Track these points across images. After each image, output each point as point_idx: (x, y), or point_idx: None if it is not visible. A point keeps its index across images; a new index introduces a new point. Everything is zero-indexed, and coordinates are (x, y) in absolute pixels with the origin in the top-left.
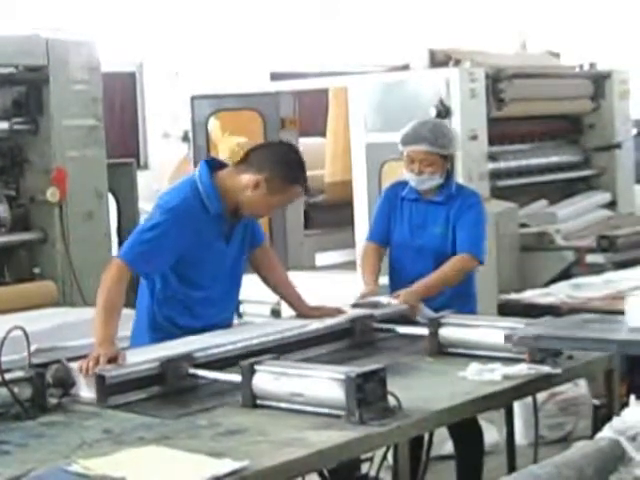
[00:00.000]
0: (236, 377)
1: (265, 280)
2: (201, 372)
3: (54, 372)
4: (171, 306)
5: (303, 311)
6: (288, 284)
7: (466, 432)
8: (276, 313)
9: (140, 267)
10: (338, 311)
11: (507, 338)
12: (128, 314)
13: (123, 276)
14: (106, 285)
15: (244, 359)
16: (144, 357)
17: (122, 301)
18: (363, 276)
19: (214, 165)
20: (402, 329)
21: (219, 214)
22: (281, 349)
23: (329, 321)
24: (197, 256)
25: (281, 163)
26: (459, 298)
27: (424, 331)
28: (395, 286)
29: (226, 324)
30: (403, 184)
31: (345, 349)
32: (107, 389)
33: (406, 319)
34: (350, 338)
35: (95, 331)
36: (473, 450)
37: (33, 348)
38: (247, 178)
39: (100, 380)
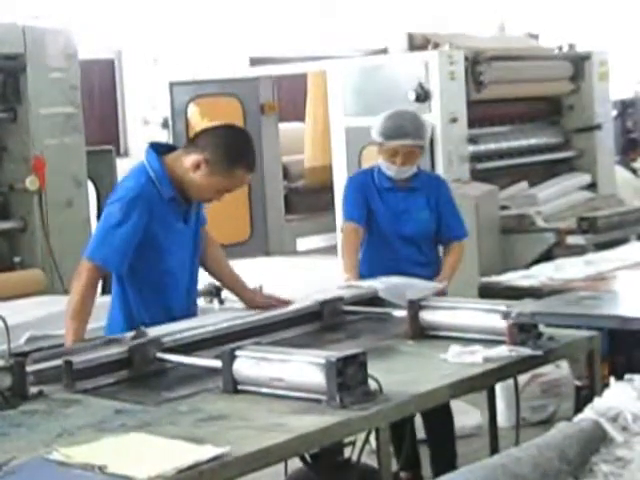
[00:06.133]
0: (216, 362)
1: (207, 267)
2: (178, 358)
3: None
4: (143, 295)
5: (247, 300)
6: (230, 271)
7: (436, 417)
8: None
9: (115, 266)
10: (284, 302)
11: (505, 315)
12: (102, 302)
13: (97, 279)
14: (80, 291)
15: (214, 343)
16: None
17: (93, 305)
18: (345, 261)
19: (161, 149)
20: (384, 312)
21: (172, 197)
22: (249, 333)
23: (299, 304)
24: (163, 241)
25: (224, 145)
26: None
27: (404, 314)
28: (374, 273)
29: (193, 310)
30: (370, 172)
31: (321, 332)
32: (75, 374)
33: (376, 302)
34: (320, 321)
35: (67, 335)
36: (444, 435)
37: (26, 336)
38: (190, 159)
39: (68, 365)
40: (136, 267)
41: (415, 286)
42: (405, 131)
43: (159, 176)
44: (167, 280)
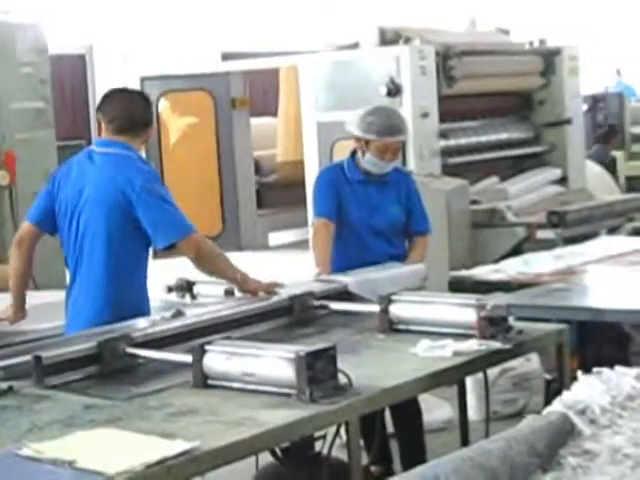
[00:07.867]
0: (186, 357)
1: None
2: (149, 353)
3: None
4: (127, 283)
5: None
6: None
7: (404, 411)
8: (230, 293)
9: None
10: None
11: (480, 308)
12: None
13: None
14: (214, 253)
15: (184, 338)
16: (83, 337)
17: None
18: (316, 256)
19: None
20: (354, 307)
21: None
22: (220, 327)
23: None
24: None
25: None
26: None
27: (374, 308)
28: (345, 266)
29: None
30: (339, 166)
31: (291, 326)
32: (44, 370)
33: (346, 296)
34: (290, 315)
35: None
36: (412, 428)
37: None
38: (145, 136)
39: (37, 361)
40: (126, 252)
41: (394, 276)
42: (398, 127)
43: (146, 161)
44: (144, 263)
